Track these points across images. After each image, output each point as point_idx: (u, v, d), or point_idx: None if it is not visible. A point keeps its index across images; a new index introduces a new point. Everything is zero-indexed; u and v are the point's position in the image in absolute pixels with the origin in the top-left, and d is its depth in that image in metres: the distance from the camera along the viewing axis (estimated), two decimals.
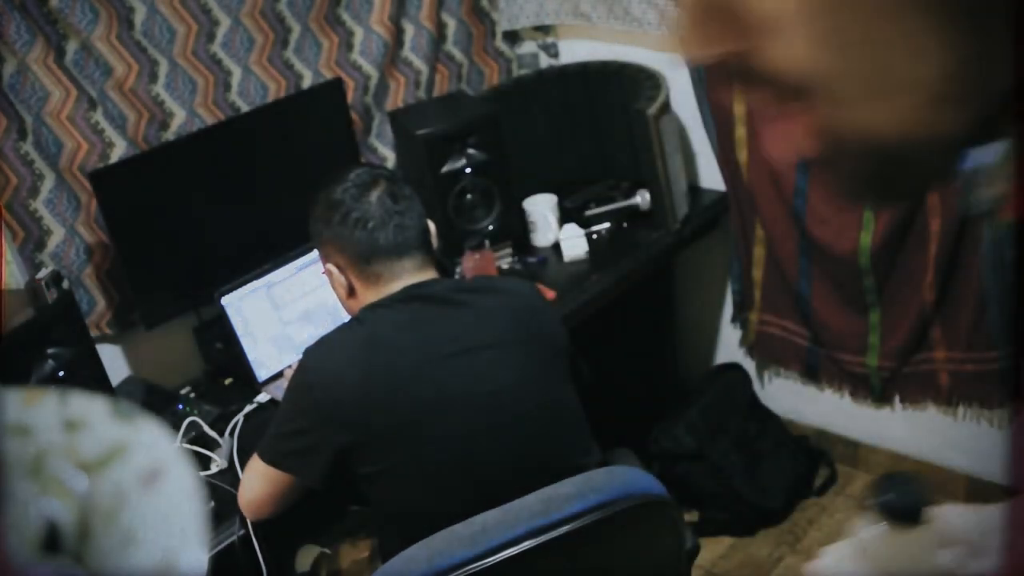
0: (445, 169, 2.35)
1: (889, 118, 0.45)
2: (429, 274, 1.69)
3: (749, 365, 2.80)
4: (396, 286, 1.65)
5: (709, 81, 2.48)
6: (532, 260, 2.49)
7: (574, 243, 2.47)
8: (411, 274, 1.67)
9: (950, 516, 0.71)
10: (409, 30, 2.61)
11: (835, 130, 0.47)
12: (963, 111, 0.44)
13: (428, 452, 1.57)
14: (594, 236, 2.53)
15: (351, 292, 1.70)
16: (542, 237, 2.54)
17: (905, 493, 0.69)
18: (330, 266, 1.71)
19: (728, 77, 0.48)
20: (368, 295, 1.67)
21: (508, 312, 1.66)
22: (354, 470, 1.60)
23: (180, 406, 2.09)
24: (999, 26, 0.41)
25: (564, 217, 2.56)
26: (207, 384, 2.25)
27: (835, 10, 0.43)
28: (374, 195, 1.66)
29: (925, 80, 0.43)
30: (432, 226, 1.75)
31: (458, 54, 2.74)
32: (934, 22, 0.41)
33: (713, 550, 2.58)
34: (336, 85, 2.39)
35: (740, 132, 2.48)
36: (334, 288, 1.73)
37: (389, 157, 2.62)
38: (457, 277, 2.32)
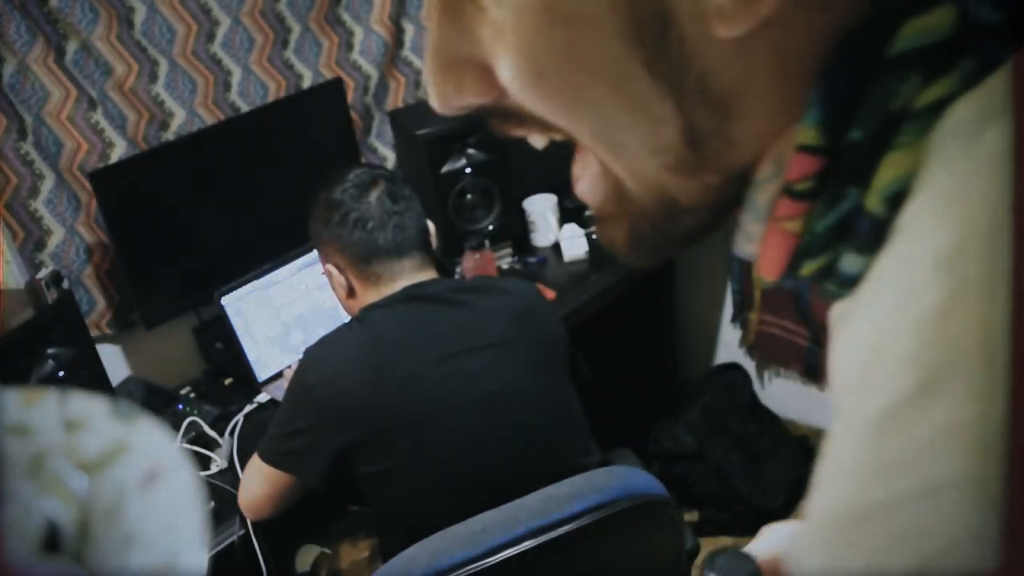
0: (445, 169, 2.35)
1: (632, 178, 0.46)
2: (429, 274, 1.69)
3: (749, 365, 2.80)
4: (396, 286, 1.65)
5: None
6: (532, 260, 2.49)
7: (574, 243, 2.47)
8: (411, 274, 1.67)
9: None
10: (409, 30, 2.61)
11: (604, 177, 0.48)
12: (698, 183, 0.45)
13: (428, 452, 1.57)
14: (594, 236, 2.53)
15: (351, 292, 1.70)
16: (542, 237, 2.54)
17: (733, 570, 0.69)
18: (330, 266, 1.71)
19: (491, 122, 0.49)
20: (368, 295, 1.67)
21: (508, 312, 1.66)
22: (354, 470, 1.60)
23: (180, 406, 2.09)
24: (729, 101, 0.42)
25: (564, 217, 2.56)
26: (207, 384, 2.25)
27: (557, 76, 0.43)
28: (373, 195, 1.66)
29: (660, 148, 0.44)
30: (432, 226, 1.75)
31: None
32: (665, 95, 0.42)
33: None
34: (336, 85, 2.39)
35: None
36: (334, 288, 1.73)
37: (389, 157, 2.62)
38: (457, 277, 2.32)
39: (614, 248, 0.51)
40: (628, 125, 0.44)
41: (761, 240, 0.45)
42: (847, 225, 0.41)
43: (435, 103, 0.48)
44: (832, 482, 0.41)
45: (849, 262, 0.41)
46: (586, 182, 0.49)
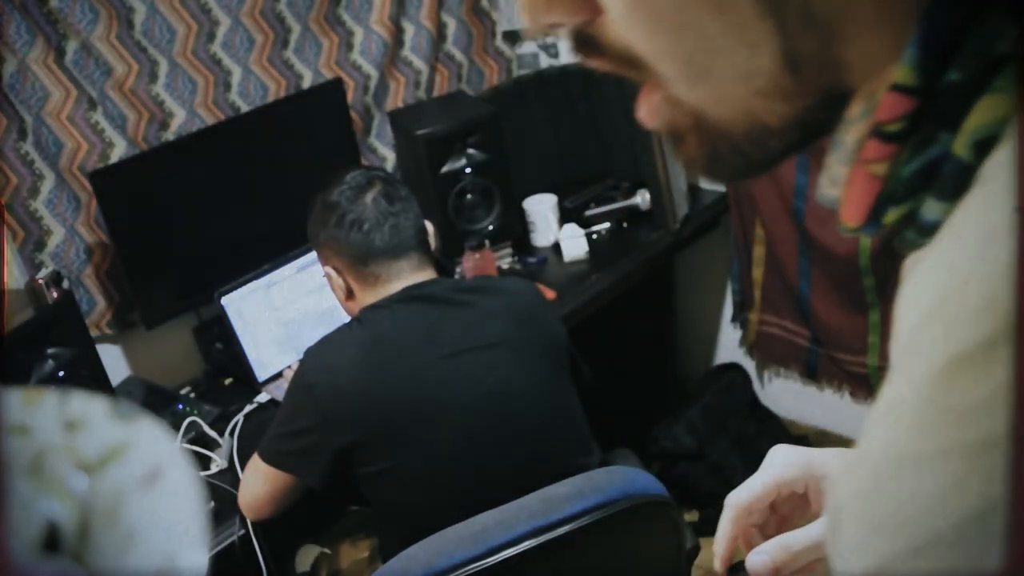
0: (445, 169, 2.35)
1: (716, 104, 0.46)
2: (428, 274, 1.69)
3: (749, 365, 2.80)
4: (395, 287, 1.65)
5: None
6: (532, 260, 2.49)
7: (574, 243, 2.47)
8: (409, 275, 1.67)
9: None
10: (409, 30, 2.61)
11: (673, 106, 0.47)
12: (792, 106, 0.44)
13: (428, 452, 1.57)
14: (594, 236, 2.53)
15: (350, 294, 1.70)
16: (542, 237, 2.54)
17: None
18: (328, 269, 1.71)
19: (571, 44, 0.48)
20: (367, 297, 1.67)
21: (508, 312, 1.66)
22: (354, 470, 1.60)
23: (180, 406, 2.09)
24: (831, 26, 0.41)
25: (564, 217, 2.56)
26: (207, 384, 2.25)
27: None
28: (369, 196, 1.67)
29: (754, 72, 0.43)
30: (430, 226, 1.75)
31: (458, 54, 2.74)
32: (766, 15, 0.41)
33: (713, 550, 2.58)
34: (336, 85, 2.39)
35: None
36: (333, 291, 1.73)
37: (389, 157, 2.62)
38: (457, 277, 2.32)
39: (692, 167, 0.50)
40: (724, 48, 0.43)
41: (845, 184, 0.44)
42: (933, 171, 0.39)
43: (523, 17, 0.47)
44: (884, 426, 0.40)
45: (931, 209, 0.40)
46: (647, 108, 0.49)
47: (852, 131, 0.43)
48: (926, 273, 0.40)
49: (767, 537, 0.79)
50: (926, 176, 0.40)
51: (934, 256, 0.40)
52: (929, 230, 0.40)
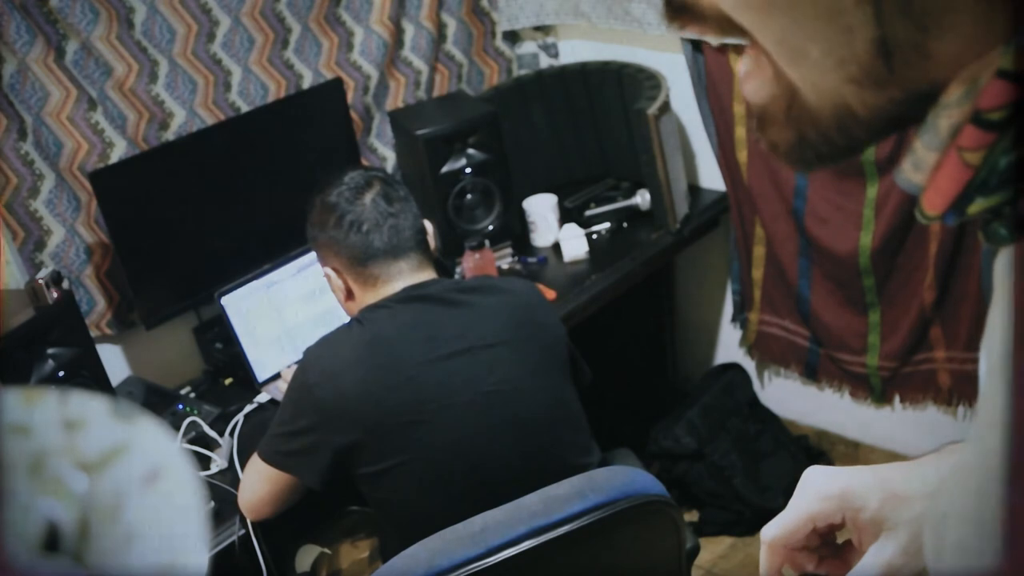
0: (445, 169, 2.35)
1: (809, 89, 0.45)
2: (427, 274, 1.69)
3: (749, 365, 2.80)
4: (394, 287, 1.66)
5: (709, 81, 2.48)
6: (532, 260, 2.49)
7: (574, 243, 2.47)
8: (408, 275, 1.67)
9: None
10: (409, 30, 2.61)
11: (778, 83, 0.46)
12: (881, 96, 0.43)
13: (428, 452, 1.57)
14: (594, 236, 2.53)
15: (349, 295, 1.70)
16: (542, 237, 2.54)
17: None
18: (328, 269, 1.71)
19: (664, 11, 0.48)
20: (366, 297, 1.67)
21: (508, 311, 1.66)
22: (354, 470, 1.60)
23: (180, 406, 2.09)
24: (928, 14, 0.40)
25: (564, 217, 2.56)
26: (207, 384, 2.25)
27: None
28: (368, 197, 1.67)
29: (847, 59, 0.42)
30: (429, 226, 1.75)
31: (458, 54, 2.74)
32: (863, 1, 0.40)
33: (713, 550, 2.58)
34: (336, 85, 2.39)
35: (740, 132, 2.48)
36: (333, 291, 1.73)
37: (389, 157, 2.62)
38: (457, 277, 2.32)
39: (774, 151, 0.49)
40: (818, 31, 0.42)
41: (933, 169, 0.43)
42: None
43: None
44: (986, 435, 0.39)
45: None
46: (756, 81, 0.47)
47: (946, 116, 0.42)
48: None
49: (813, 552, 0.77)
50: (1022, 168, 0.38)
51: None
52: (1021, 227, 0.39)
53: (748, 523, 2.60)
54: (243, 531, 1.77)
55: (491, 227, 2.40)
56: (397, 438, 1.56)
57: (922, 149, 0.44)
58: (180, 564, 0.37)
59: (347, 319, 1.70)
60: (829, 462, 2.75)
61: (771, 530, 0.77)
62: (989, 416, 0.39)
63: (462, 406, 1.57)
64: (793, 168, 0.49)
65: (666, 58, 2.53)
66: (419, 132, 2.33)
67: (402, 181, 1.90)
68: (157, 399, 2.14)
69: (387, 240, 1.66)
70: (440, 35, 2.69)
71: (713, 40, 0.47)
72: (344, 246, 1.66)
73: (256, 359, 2.18)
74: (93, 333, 2.10)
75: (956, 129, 0.41)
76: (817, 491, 0.75)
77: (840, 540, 0.79)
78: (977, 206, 0.41)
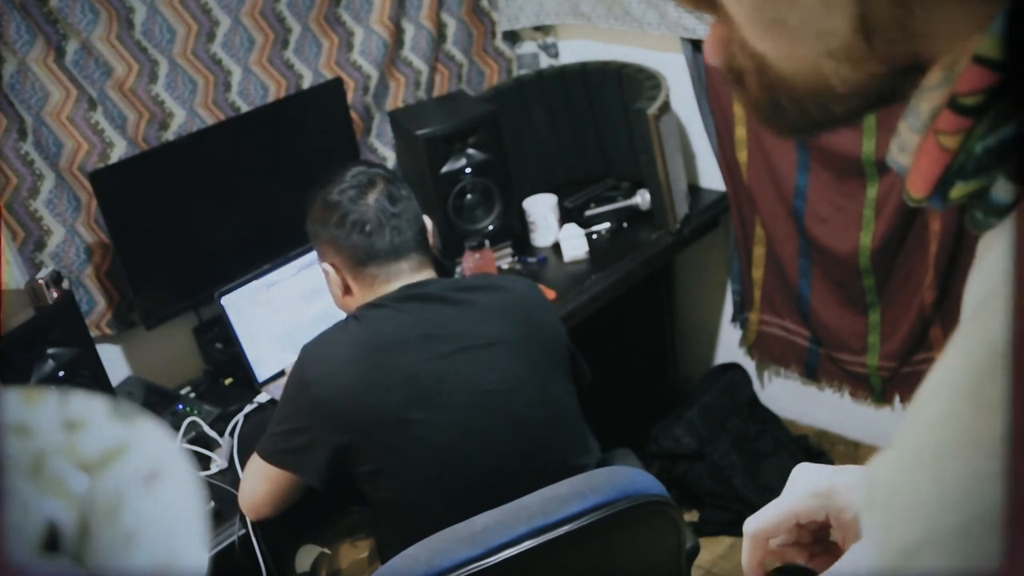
0: (445, 169, 2.35)
1: (785, 58, 0.45)
2: (426, 274, 1.69)
3: (749, 365, 2.80)
4: (392, 286, 1.66)
5: (709, 81, 2.48)
6: (532, 260, 2.49)
7: (574, 243, 2.47)
8: (408, 275, 1.67)
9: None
10: (409, 30, 2.61)
11: (739, 49, 0.47)
12: (859, 72, 0.43)
13: (426, 450, 1.57)
14: (594, 236, 2.53)
15: (347, 291, 1.71)
16: (542, 237, 2.54)
17: None
18: (325, 265, 1.71)
19: None
20: (364, 295, 1.68)
21: (507, 310, 1.66)
22: (353, 469, 1.60)
23: (180, 406, 2.09)
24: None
25: (564, 217, 2.56)
26: (207, 384, 2.25)
27: None
28: (371, 197, 1.66)
29: (826, 32, 0.42)
30: (429, 223, 1.75)
31: (458, 54, 2.74)
32: None
33: (713, 550, 2.58)
34: (336, 85, 2.39)
35: (740, 132, 2.48)
36: (329, 286, 1.73)
37: (389, 157, 2.62)
38: (458, 276, 2.32)
39: (752, 112, 0.49)
40: (799, 2, 0.42)
41: (914, 152, 0.43)
42: (1006, 151, 0.38)
43: None
44: (930, 407, 0.39)
45: (1001, 189, 0.39)
46: (713, 49, 0.48)
47: (927, 99, 0.42)
48: (991, 258, 0.39)
49: (805, 548, 0.77)
50: (999, 155, 0.38)
51: (1001, 242, 0.38)
52: (999, 211, 0.39)
53: None
54: (243, 531, 1.77)
55: (491, 227, 2.41)
56: (395, 436, 1.56)
57: (906, 131, 0.44)
58: (180, 564, 0.37)
59: (342, 316, 1.70)
60: (829, 462, 2.74)
61: (753, 523, 0.77)
62: (936, 388, 0.39)
63: (461, 405, 1.57)
64: (772, 133, 0.50)
65: (666, 58, 2.53)
66: (419, 132, 2.33)
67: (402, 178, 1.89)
68: (157, 399, 2.14)
69: (389, 241, 1.66)
70: (440, 35, 2.69)
71: (683, 4, 0.47)
72: (346, 245, 1.66)
73: (256, 359, 2.18)
74: (93, 333, 2.10)
75: (935, 112, 0.41)
76: (803, 488, 0.76)
77: (833, 538, 0.79)
78: (958, 191, 0.41)
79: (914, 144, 0.43)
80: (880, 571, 0.39)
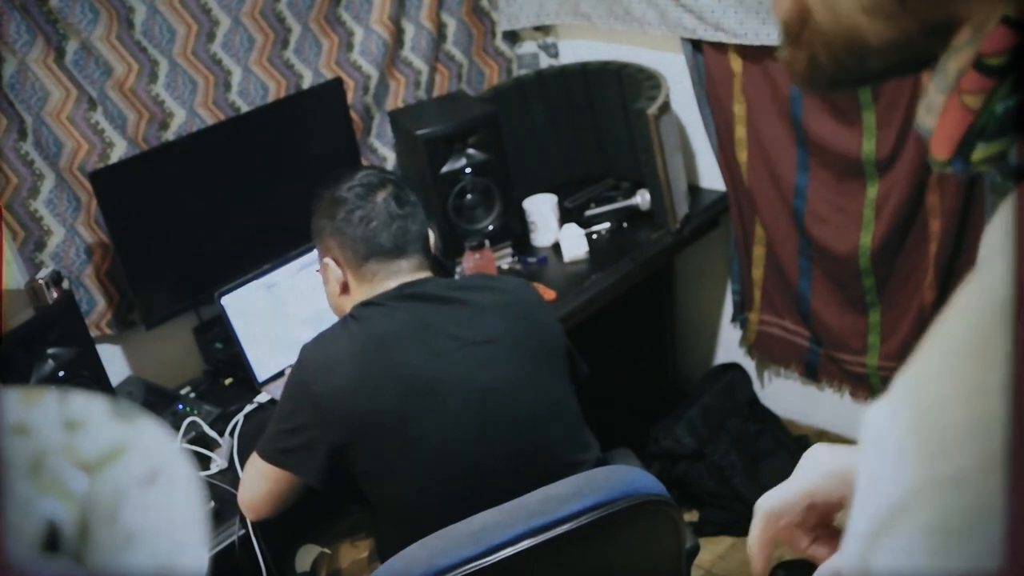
0: (445, 169, 2.35)
1: (824, 9, 0.46)
2: (424, 274, 1.70)
3: (749, 365, 2.80)
4: (391, 284, 1.66)
5: (709, 81, 2.48)
6: (532, 260, 2.49)
7: (574, 243, 2.47)
8: (407, 273, 1.68)
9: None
10: (409, 30, 2.61)
11: (794, 5, 0.48)
12: (894, 28, 0.44)
13: (424, 449, 1.57)
14: (594, 236, 2.53)
15: (344, 288, 1.71)
16: (542, 237, 2.54)
17: None
18: (328, 260, 1.72)
19: None
20: (360, 293, 1.68)
21: (504, 309, 1.66)
22: (352, 468, 1.60)
23: (180, 406, 2.09)
24: None
25: (564, 217, 2.56)
26: (207, 384, 2.25)
27: None
28: (380, 196, 1.68)
29: None
30: (432, 236, 1.76)
31: (458, 54, 2.74)
32: None
33: (713, 550, 2.58)
34: (336, 85, 2.39)
35: (740, 132, 2.48)
36: (327, 282, 1.74)
37: (389, 157, 2.62)
38: (457, 277, 2.32)
39: (793, 74, 0.50)
40: None
41: (940, 113, 0.44)
42: None
43: None
44: (932, 357, 0.39)
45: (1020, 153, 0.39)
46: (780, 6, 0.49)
47: (955, 59, 0.42)
48: (1002, 219, 0.39)
49: (810, 531, 0.77)
50: (1019, 116, 0.39)
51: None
52: (1016, 174, 0.39)
53: (748, 523, 2.60)
54: (243, 531, 1.77)
55: (491, 227, 2.41)
56: (393, 435, 1.56)
57: (934, 91, 0.45)
58: (180, 564, 0.37)
59: (340, 314, 1.70)
60: None
61: (768, 501, 0.77)
62: (940, 339, 0.39)
63: (457, 403, 1.57)
64: (808, 90, 0.51)
65: (666, 58, 2.53)
66: (419, 132, 2.33)
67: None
68: (157, 399, 2.14)
69: (393, 239, 1.67)
70: (440, 35, 2.69)
71: None
72: (350, 239, 1.67)
73: (256, 359, 2.18)
74: (93, 333, 2.10)
75: (962, 72, 0.42)
76: (819, 468, 0.75)
77: (837, 523, 0.79)
78: (980, 153, 0.41)
79: (940, 104, 0.44)
80: (872, 520, 0.39)
